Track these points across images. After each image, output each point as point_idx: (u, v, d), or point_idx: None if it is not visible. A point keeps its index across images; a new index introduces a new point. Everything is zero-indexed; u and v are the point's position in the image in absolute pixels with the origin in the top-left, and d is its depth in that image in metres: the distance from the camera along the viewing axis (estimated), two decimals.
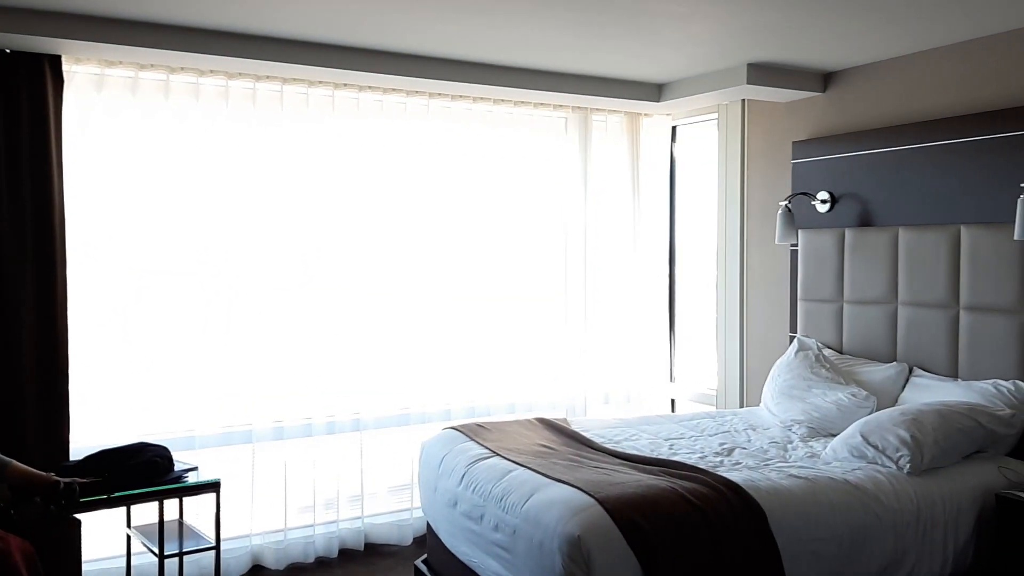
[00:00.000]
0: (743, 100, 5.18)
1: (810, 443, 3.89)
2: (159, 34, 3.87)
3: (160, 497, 3.60)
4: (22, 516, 3.37)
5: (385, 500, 4.98)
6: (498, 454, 3.55)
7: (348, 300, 4.79)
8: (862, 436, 3.53)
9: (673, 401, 5.94)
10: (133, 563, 4.05)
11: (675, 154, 5.89)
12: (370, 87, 4.71)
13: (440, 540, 3.72)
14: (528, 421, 4.18)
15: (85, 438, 4.08)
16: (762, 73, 4.58)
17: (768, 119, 5.13)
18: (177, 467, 3.76)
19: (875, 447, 3.46)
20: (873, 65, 4.53)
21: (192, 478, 3.74)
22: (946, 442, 3.41)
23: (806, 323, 4.74)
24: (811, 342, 4.58)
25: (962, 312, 3.96)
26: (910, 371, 4.13)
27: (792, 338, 4.80)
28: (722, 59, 4.50)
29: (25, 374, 3.89)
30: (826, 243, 4.60)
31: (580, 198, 5.42)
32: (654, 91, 5.17)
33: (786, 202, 4.73)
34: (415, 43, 4.23)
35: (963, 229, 3.95)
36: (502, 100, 5.11)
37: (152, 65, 4.19)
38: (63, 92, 3.99)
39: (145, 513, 3.87)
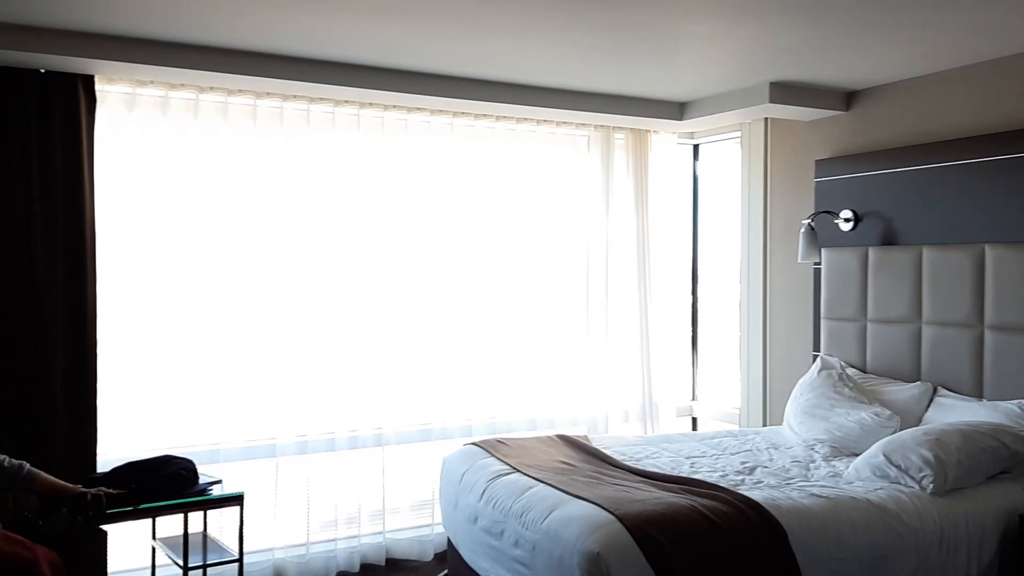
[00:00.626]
0: (766, 119, 5.20)
1: (832, 462, 3.87)
2: (189, 54, 3.95)
3: (185, 510, 3.64)
4: (50, 527, 3.43)
5: (406, 515, 4.99)
6: (518, 470, 3.56)
7: (371, 316, 4.83)
8: (885, 456, 3.52)
9: (695, 420, 5.93)
10: (158, 575, 4.09)
11: (698, 172, 5.91)
12: (395, 106, 4.77)
13: (461, 555, 3.73)
14: (548, 438, 4.20)
15: (112, 451, 4.14)
16: (785, 92, 4.59)
17: (791, 137, 5.13)
18: (202, 480, 3.80)
19: (898, 467, 3.45)
20: (896, 84, 4.53)
21: (216, 491, 3.78)
22: (970, 462, 3.39)
23: (829, 342, 4.72)
24: (834, 361, 4.56)
25: (987, 332, 3.93)
26: (934, 391, 4.11)
27: (815, 357, 4.78)
28: (744, 78, 4.51)
29: (54, 387, 3.95)
30: (849, 262, 4.59)
31: (602, 215, 5.44)
32: (676, 110, 5.19)
33: (809, 220, 4.73)
34: (441, 63, 4.28)
35: (987, 248, 3.93)
36: (525, 119, 5.15)
37: (183, 85, 4.27)
38: (96, 111, 4.07)
39: (170, 525, 3.92)
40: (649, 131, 5.51)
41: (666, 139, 5.64)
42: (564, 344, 5.41)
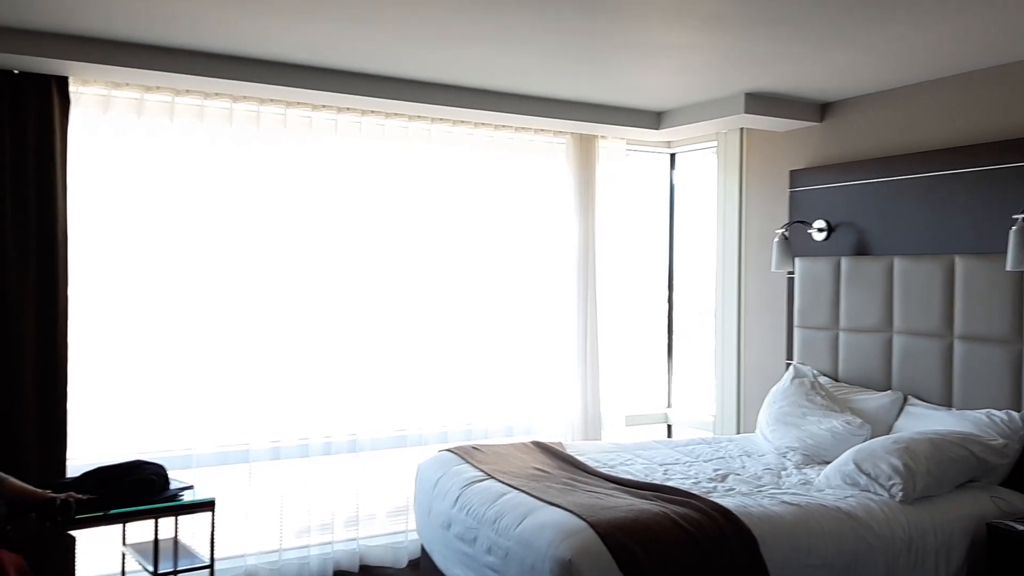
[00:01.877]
0: (741, 129, 5.24)
1: (804, 470, 3.90)
2: (165, 57, 3.93)
3: (155, 515, 3.62)
4: (18, 532, 3.39)
5: (381, 522, 4.97)
6: (492, 477, 3.57)
7: (347, 322, 4.81)
8: (855, 464, 3.55)
9: (670, 427, 5.96)
10: None
11: (674, 181, 5.95)
12: (372, 111, 4.77)
13: (434, 562, 3.73)
14: (523, 444, 4.20)
15: (82, 455, 4.10)
16: (760, 103, 4.63)
17: (766, 148, 5.18)
18: (173, 485, 3.78)
19: (868, 475, 3.48)
20: (870, 96, 4.59)
21: (188, 496, 3.76)
22: (939, 471, 3.43)
23: (802, 350, 4.77)
24: (807, 369, 4.60)
25: (956, 341, 3.98)
26: (904, 400, 4.15)
27: (788, 365, 4.82)
28: (720, 88, 4.55)
29: (24, 391, 3.91)
30: (822, 271, 4.64)
31: (579, 222, 5.44)
32: (653, 119, 5.23)
33: (783, 230, 4.77)
34: (417, 69, 4.28)
35: (957, 259, 3.98)
36: (503, 126, 5.16)
37: (158, 87, 4.25)
38: (69, 112, 4.04)
39: (140, 531, 3.88)
40: (596, 136, 5.43)
41: (614, 145, 5.56)
42: (541, 352, 5.39)
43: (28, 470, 3.80)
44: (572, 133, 5.36)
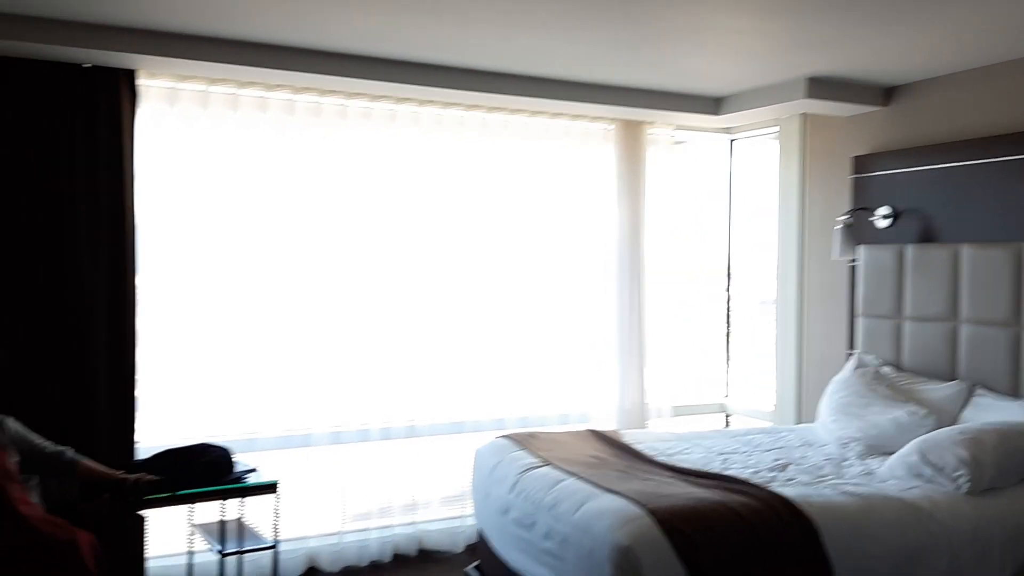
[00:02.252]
0: (803, 114, 5.16)
1: (866, 461, 3.85)
2: (229, 50, 4.01)
3: (221, 496, 3.71)
4: (91, 511, 3.52)
5: (438, 507, 5.03)
6: (550, 463, 3.58)
7: (407, 311, 4.88)
8: (920, 454, 3.49)
9: (728, 417, 5.91)
10: (195, 561, 4.16)
11: (733, 168, 5.88)
12: (430, 100, 4.80)
13: (491, 547, 3.76)
14: (579, 432, 4.21)
15: (151, 438, 4.22)
16: (822, 87, 4.55)
17: (828, 133, 5.09)
18: (238, 468, 3.87)
19: (933, 466, 3.42)
20: (936, 79, 4.48)
21: (252, 479, 3.85)
22: (1006, 462, 3.36)
23: (865, 340, 4.68)
24: (870, 359, 4.53)
25: None
26: (971, 390, 4.06)
27: (850, 355, 4.74)
28: (781, 72, 4.49)
29: (96, 377, 4.04)
30: (886, 259, 4.55)
31: (627, 210, 5.41)
32: (712, 104, 5.17)
33: (846, 217, 4.69)
34: (476, 59, 4.31)
35: None
36: (559, 114, 5.15)
37: (223, 79, 4.34)
38: (137, 105, 4.15)
39: (207, 512, 3.99)
40: (644, 123, 5.35)
41: (662, 131, 5.47)
42: (598, 341, 5.39)
43: (99, 452, 3.92)
44: (618, 119, 5.29)
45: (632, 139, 5.37)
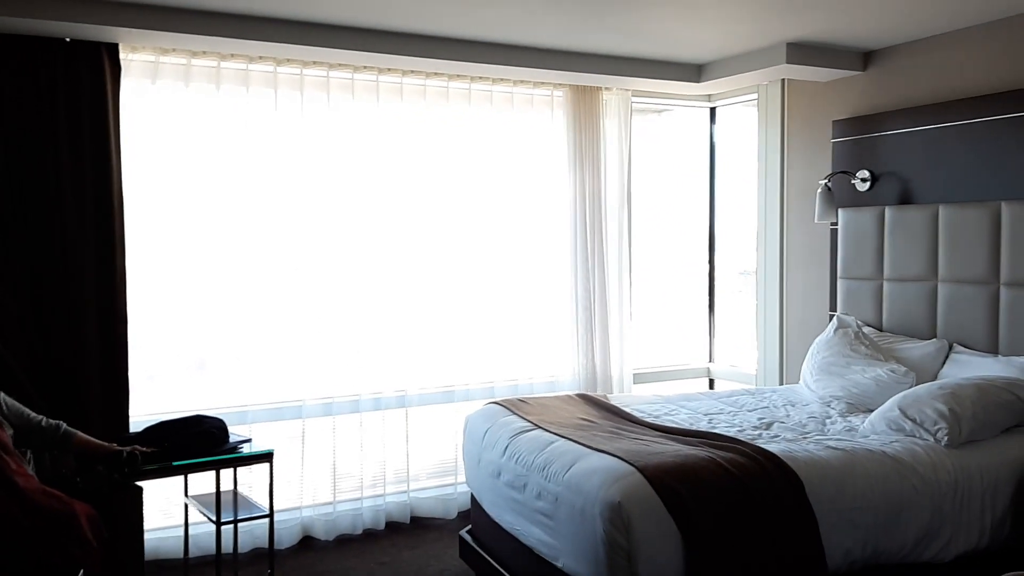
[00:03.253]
0: (783, 80, 5.20)
1: (848, 418, 3.93)
2: (212, 21, 4.00)
3: (216, 467, 3.75)
4: (87, 484, 3.55)
5: (430, 475, 5.10)
6: (540, 427, 3.64)
7: (394, 281, 4.91)
8: (900, 410, 3.57)
9: (712, 381, 6.00)
10: (191, 532, 4.21)
11: (715, 136, 5.94)
12: (412, 71, 4.82)
13: (484, 511, 3.83)
14: (568, 396, 4.27)
15: (144, 412, 4.25)
16: (802, 52, 4.60)
17: (808, 98, 5.15)
18: (232, 439, 3.90)
19: (913, 420, 3.50)
20: (913, 43, 4.53)
21: (246, 449, 3.88)
22: (984, 415, 3.44)
23: (846, 301, 4.77)
24: (850, 320, 4.61)
25: (1002, 288, 3.97)
26: (950, 348, 4.15)
27: (832, 316, 4.83)
28: (761, 38, 4.52)
29: (87, 350, 4.06)
30: (866, 221, 4.62)
31: (618, 178, 5.47)
32: (694, 71, 5.21)
33: (826, 181, 4.75)
34: (453, 27, 4.32)
35: (1004, 205, 3.95)
36: (523, 81, 5.15)
37: (204, 52, 4.33)
38: (120, 79, 4.13)
39: (202, 483, 4.03)
40: (600, 88, 5.31)
41: (620, 96, 5.43)
42: (585, 308, 5.43)
43: (94, 426, 3.95)
44: (570, 85, 5.26)
45: (589, 104, 5.32)
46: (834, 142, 4.89)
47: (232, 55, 4.40)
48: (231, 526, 3.95)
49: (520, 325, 5.28)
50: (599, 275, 5.36)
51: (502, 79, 5.06)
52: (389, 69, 4.76)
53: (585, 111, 5.30)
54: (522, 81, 5.12)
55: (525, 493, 3.37)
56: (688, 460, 3.07)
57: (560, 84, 5.22)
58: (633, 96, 5.50)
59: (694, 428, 3.72)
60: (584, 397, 4.24)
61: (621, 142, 5.43)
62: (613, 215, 5.44)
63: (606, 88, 5.32)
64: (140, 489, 3.61)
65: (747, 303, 5.73)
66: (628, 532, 2.81)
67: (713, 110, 5.93)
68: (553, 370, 5.38)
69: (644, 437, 3.46)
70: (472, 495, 4.05)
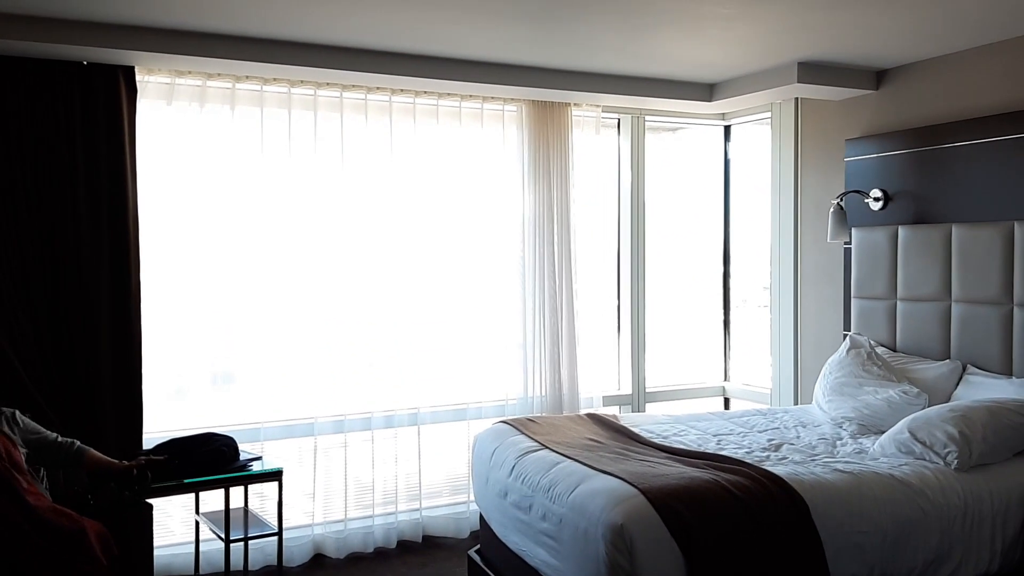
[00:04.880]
0: (796, 98, 5.20)
1: (859, 440, 3.90)
2: (226, 45, 4.06)
3: (226, 484, 3.79)
4: (99, 501, 3.59)
5: (443, 494, 5.11)
6: (547, 447, 3.64)
7: (407, 301, 4.93)
8: (910, 432, 3.54)
9: (727, 400, 5.97)
10: (201, 548, 4.25)
11: (729, 154, 5.94)
12: (426, 92, 4.87)
13: (492, 530, 3.83)
14: (577, 416, 4.27)
15: (158, 428, 4.30)
16: (813, 72, 4.59)
17: (821, 117, 5.13)
18: (242, 456, 3.94)
19: (923, 443, 3.47)
20: (926, 62, 4.51)
21: (256, 467, 3.92)
22: (995, 439, 3.40)
23: (859, 321, 4.73)
24: (863, 340, 4.57)
25: (1016, 309, 3.93)
26: (964, 369, 4.11)
27: (845, 336, 4.79)
28: (772, 58, 4.53)
29: (102, 369, 4.11)
30: (879, 241, 4.59)
31: (629, 197, 5.49)
32: (705, 91, 5.21)
33: (838, 200, 4.73)
34: (461, 48, 4.36)
35: (1017, 225, 3.92)
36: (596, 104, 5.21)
37: (219, 74, 4.39)
38: (136, 101, 4.20)
39: (212, 501, 4.07)
40: (568, 104, 5.20)
41: (588, 112, 5.31)
42: (598, 327, 5.44)
43: (107, 443, 4.00)
44: (526, 100, 5.17)
45: (637, 128, 5.40)
46: (847, 161, 4.87)
47: (247, 77, 4.46)
48: (241, 544, 3.98)
49: (519, 344, 5.24)
50: (566, 295, 5.23)
51: (513, 99, 5.08)
52: (401, 90, 4.80)
53: (554, 128, 5.22)
54: (492, 98, 5.08)
55: (531, 514, 3.37)
56: (692, 483, 3.06)
57: (519, 100, 5.13)
58: (647, 115, 5.53)
59: (702, 449, 3.70)
60: (593, 416, 4.24)
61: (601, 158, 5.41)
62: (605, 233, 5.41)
63: (575, 104, 5.23)
64: (150, 506, 3.65)
65: (762, 321, 5.71)
66: (631, 555, 2.80)
67: (727, 128, 5.93)
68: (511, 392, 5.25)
69: (650, 458, 3.45)
70: (481, 514, 4.05)
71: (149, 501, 3.65)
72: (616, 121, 5.57)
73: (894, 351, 4.50)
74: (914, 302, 4.42)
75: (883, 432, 3.88)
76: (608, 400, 5.50)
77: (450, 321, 5.12)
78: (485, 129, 5.09)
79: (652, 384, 5.71)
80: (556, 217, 5.20)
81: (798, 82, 4.59)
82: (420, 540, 4.95)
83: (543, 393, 5.21)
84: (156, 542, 3.82)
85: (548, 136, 5.18)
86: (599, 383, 5.42)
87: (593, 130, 5.32)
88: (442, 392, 5.08)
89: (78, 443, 3.51)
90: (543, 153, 5.16)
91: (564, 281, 5.22)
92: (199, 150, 4.47)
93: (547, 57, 4.55)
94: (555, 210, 5.19)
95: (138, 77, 4.21)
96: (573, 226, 5.25)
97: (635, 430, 4.00)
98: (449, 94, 4.93)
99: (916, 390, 4.02)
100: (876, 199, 4.66)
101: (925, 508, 3.18)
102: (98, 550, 3.22)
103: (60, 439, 3.50)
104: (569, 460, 3.42)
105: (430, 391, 5.01)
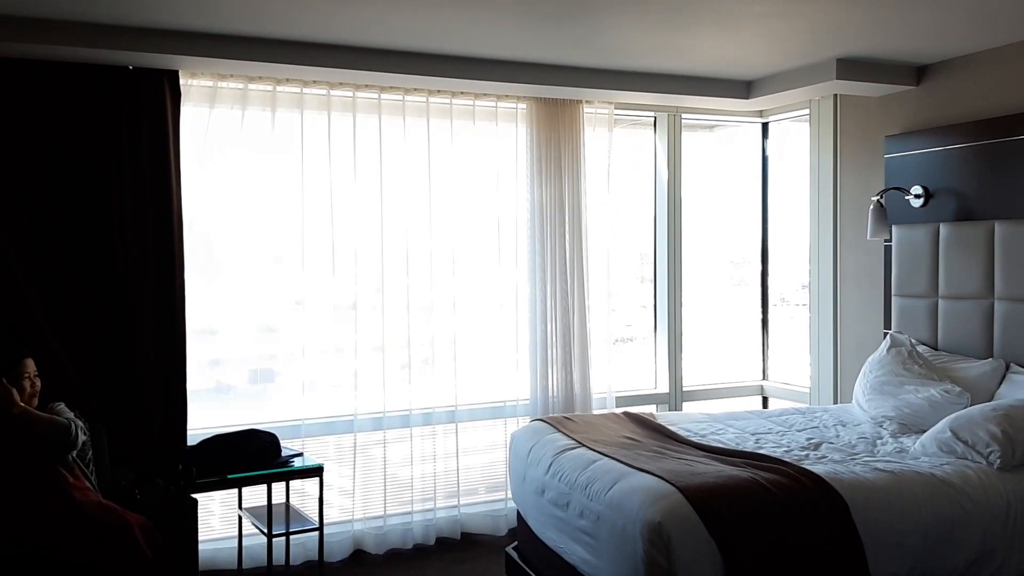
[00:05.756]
0: (835, 95, 5.15)
1: (900, 439, 3.87)
2: (268, 48, 4.13)
3: (268, 480, 3.85)
4: (146, 496, 3.68)
5: (481, 491, 5.14)
6: (584, 445, 3.66)
7: (444, 298, 4.97)
8: (952, 431, 3.51)
9: (765, 399, 5.94)
10: (244, 543, 4.32)
11: (767, 150, 5.91)
12: (462, 92, 4.90)
13: (529, 527, 3.85)
14: (614, 414, 4.28)
15: (200, 425, 4.38)
16: (852, 68, 4.55)
17: (861, 113, 5.09)
18: (284, 453, 4.01)
19: (965, 442, 3.43)
20: (968, 57, 4.46)
21: (298, 463, 3.98)
22: None
23: (900, 319, 4.69)
24: (904, 338, 4.53)
25: None
26: (1007, 367, 4.05)
27: (886, 335, 4.75)
28: (810, 54, 4.50)
29: (147, 367, 4.19)
30: (920, 238, 4.54)
31: (666, 195, 5.48)
32: (743, 88, 5.19)
33: (878, 197, 4.69)
34: (498, 49, 4.39)
35: None
36: (609, 102, 5.20)
37: (260, 77, 4.46)
38: (180, 104, 4.29)
39: (254, 496, 4.14)
40: (580, 101, 5.15)
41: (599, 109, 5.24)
42: (634, 325, 5.45)
43: (153, 438, 4.09)
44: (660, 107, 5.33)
45: (673, 127, 5.41)
46: (887, 157, 4.82)
47: (287, 79, 4.52)
48: (283, 539, 4.05)
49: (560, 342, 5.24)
50: (578, 293, 5.18)
51: (557, 99, 5.09)
52: (439, 91, 4.85)
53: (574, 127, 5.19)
54: (507, 96, 5.13)
55: (568, 511, 3.39)
56: (730, 481, 3.06)
57: (527, 98, 5.10)
58: (683, 113, 5.52)
59: (740, 448, 3.70)
60: (630, 415, 4.25)
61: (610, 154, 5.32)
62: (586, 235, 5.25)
63: (607, 102, 5.22)
64: (195, 501, 3.73)
65: (801, 319, 5.67)
66: (668, 552, 2.81)
67: (765, 125, 5.90)
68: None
69: (687, 457, 3.46)
70: (518, 512, 4.08)
71: (194, 496, 3.73)
72: (652, 119, 5.56)
73: (935, 350, 4.45)
74: (956, 300, 4.37)
75: (924, 431, 3.84)
76: (634, 399, 5.47)
77: (478, 319, 5.14)
78: (512, 128, 5.11)
79: (689, 383, 5.70)
80: (573, 213, 5.16)
81: (837, 79, 4.55)
82: (458, 537, 4.99)
83: (554, 394, 5.16)
84: (200, 537, 3.91)
85: (571, 134, 5.15)
86: (618, 381, 5.37)
87: (622, 129, 5.33)
88: (479, 390, 5.11)
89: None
90: (566, 151, 5.14)
91: (576, 279, 5.17)
92: (241, 151, 4.54)
93: (588, 56, 4.57)
94: (570, 206, 5.16)
95: (182, 81, 4.29)
96: (592, 224, 5.23)
97: (672, 429, 4.01)
98: (485, 94, 4.95)
99: (958, 389, 3.98)
100: (917, 196, 4.61)
101: (967, 508, 3.15)
102: (143, 544, 3.31)
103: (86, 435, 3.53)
104: (606, 458, 3.44)
105: (467, 389, 5.05)
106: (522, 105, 5.10)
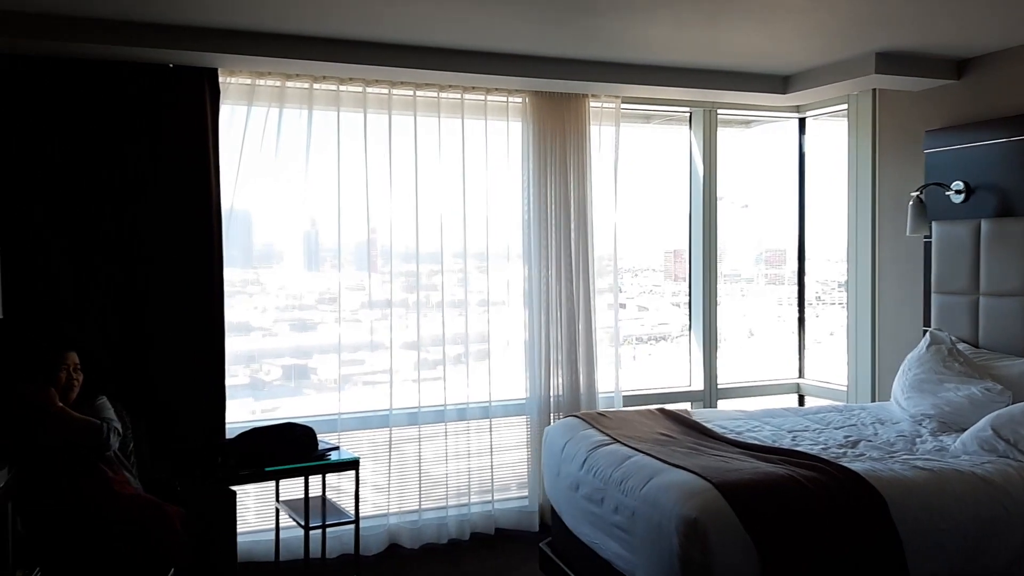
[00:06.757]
0: (874, 90, 5.09)
1: (940, 437, 3.82)
2: (305, 46, 4.17)
3: (305, 473, 3.89)
4: (186, 489, 3.74)
5: (515, 487, 5.15)
6: (618, 441, 3.65)
7: (479, 295, 4.99)
8: (993, 429, 3.46)
9: (801, 397, 5.89)
10: (282, 536, 4.37)
11: (804, 147, 5.85)
12: (496, 89, 4.91)
13: (563, 523, 3.86)
14: (648, 411, 4.27)
15: (238, 418, 4.44)
16: (892, 62, 4.50)
17: (900, 108, 5.02)
18: (321, 446, 4.05)
19: (1007, 440, 3.39)
20: (1010, 50, 4.38)
21: (334, 456, 4.02)
22: None
23: (940, 316, 4.62)
24: (944, 335, 4.47)
25: None
26: None
27: (925, 332, 4.69)
28: (849, 48, 4.45)
29: (188, 362, 4.24)
30: (961, 234, 4.48)
31: (701, 191, 5.46)
32: (779, 83, 5.15)
33: (918, 193, 4.63)
34: (534, 45, 4.40)
35: None
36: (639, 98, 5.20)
37: (298, 75, 4.50)
38: (219, 102, 4.34)
39: (291, 489, 4.18)
40: (587, 96, 5.09)
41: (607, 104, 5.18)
42: (669, 322, 5.44)
43: (192, 431, 4.15)
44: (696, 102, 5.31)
45: (708, 123, 5.38)
46: (927, 153, 4.76)
47: (324, 77, 4.56)
48: (319, 531, 4.09)
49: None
50: (583, 291, 5.14)
51: (597, 95, 5.08)
52: (473, 88, 4.86)
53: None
54: (631, 98, 5.13)
55: (603, 507, 3.39)
56: (767, 477, 3.04)
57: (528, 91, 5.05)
58: (719, 109, 5.49)
59: (776, 445, 3.67)
60: (664, 412, 4.23)
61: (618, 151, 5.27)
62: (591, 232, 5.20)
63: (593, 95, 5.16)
64: (233, 494, 3.78)
65: (838, 317, 5.62)
66: (704, 548, 2.80)
67: (802, 121, 5.84)
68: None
69: (723, 453, 3.44)
70: (552, 507, 4.08)
71: (232, 488, 3.77)
72: (688, 115, 5.54)
73: (976, 347, 4.38)
74: (997, 297, 4.30)
75: (964, 430, 3.79)
76: (668, 397, 5.45)
77: (505, 317, 5.15)
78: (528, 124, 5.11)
79: (724, 380, 5.67)
80: (581, 210, 5.14)
81: (876, 73, 4.50)
82: (492, 532, 5.00)
83: (560, 392, 5.12)
84: (240, 528, 3.96)
85: (590, 130, 5.14)
86: (617, 381, 5.31)
87: (657, 125, 5.30)
88: (511, 387, 5.13)
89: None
90: (582, 146, 5.12)
91: (580, 276, 5.14)
92: (278, 149, 4.58)
93: (622, 52, 4.56)
94: (578, 202, 5.14)
95: (220, 79, 4.34)
96: (599, 221, 5.20)
97: (707, 425, 3.99)
98: (517, 90, 4.96)
99: (999, 387, 3.92)
100: (958, 192, 4.55)
101: (1008, 507, 3.10)
102: (182, 536, 3.37)
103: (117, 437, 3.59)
104: (641, 454, 3.43)
105: (501, 386, 5.06)
106: (516, 98, 5.04)
